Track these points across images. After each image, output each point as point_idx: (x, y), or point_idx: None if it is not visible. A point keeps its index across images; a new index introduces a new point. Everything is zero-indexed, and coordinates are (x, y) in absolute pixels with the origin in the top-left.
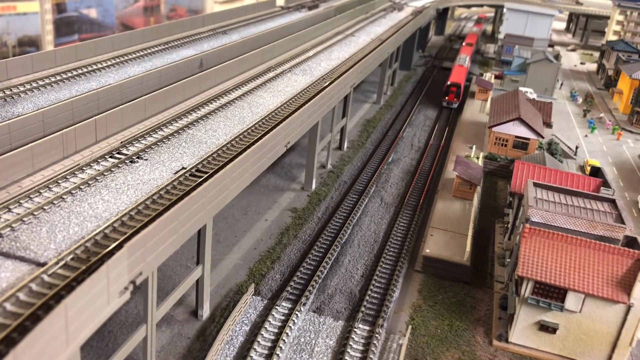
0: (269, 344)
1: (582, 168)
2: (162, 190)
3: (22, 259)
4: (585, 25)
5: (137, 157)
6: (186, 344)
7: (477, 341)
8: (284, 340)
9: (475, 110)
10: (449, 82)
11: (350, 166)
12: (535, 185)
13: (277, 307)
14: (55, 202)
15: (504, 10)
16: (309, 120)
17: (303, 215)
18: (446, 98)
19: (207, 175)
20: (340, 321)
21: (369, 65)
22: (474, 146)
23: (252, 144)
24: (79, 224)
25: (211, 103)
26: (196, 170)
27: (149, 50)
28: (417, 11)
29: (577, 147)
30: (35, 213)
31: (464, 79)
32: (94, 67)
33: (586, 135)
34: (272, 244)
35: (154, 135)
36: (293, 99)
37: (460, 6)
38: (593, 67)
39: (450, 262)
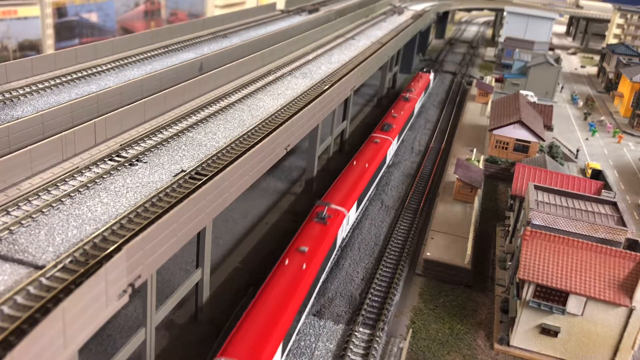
0: None
1: (583, 171)
2: (161, 192)
3: (20, 262)
4: (585, 29)
5: (137, 160)
6: (186, 348)
7: (478, 345)
8: None
9: (476, 113)
10: None
11: None
12: (537, 188)
13: None
14: (54, 204)
15: (505, 13)
16: (309, 123)
17: (303, 218)
18: None
19: (206, 177)
20: (341, 325)
21: (369, 69)
22: (475, 149)
23: (252, 146)
24: (78, 227)
25: (211, 106)
26: (196, 173)
27: (149, 54)
28: (417, 15)
29: (578, 150)
30: (34, 216)
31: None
32: (94, 70)
33: (587, 138)
34: (272, 247)
35: (153, 138)
36: (293, 102)
37: (460, 10)
38: (594, 70)
39: (451, 265)
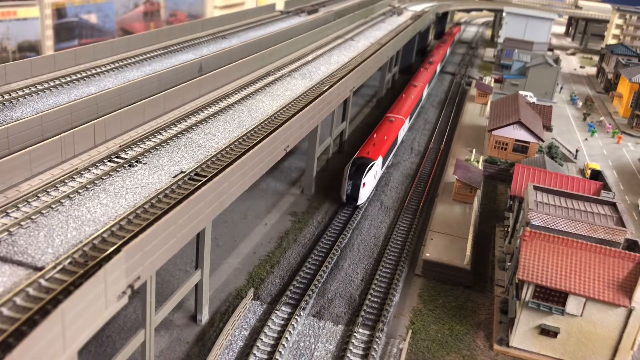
0: (269, 349)
1: (582, 171)
2: (160, 194)
3: (19, 263)
4: (584, 29)
5: (136, 161)
6: (185, 349)
7: (478, 345)
8: (283, 344)
9: (475, 113)
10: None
11: None
12: (536, 188)
13: (276, 311)
14: (54, 206)
15: (504, 14)
16: (309, 124)
17: (303, 219)
18: None
19: (205, 179)
20: (340, 325)
21: (368, 69)
22: (474, 150)
23: (251, 147)
24: (77, 228)
25: (210, 107)
26: (195, 174)
27: (148, 55)
28: (416, 15)
29: (577, 151)
30: (33, 217)
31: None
32: (93, 71)
33: (586, 139)
34: (271, 248)
35: (152, 139)
36: (292, 103)
37: (459, 10)
38: (593, 70)
39: (450, 266)
